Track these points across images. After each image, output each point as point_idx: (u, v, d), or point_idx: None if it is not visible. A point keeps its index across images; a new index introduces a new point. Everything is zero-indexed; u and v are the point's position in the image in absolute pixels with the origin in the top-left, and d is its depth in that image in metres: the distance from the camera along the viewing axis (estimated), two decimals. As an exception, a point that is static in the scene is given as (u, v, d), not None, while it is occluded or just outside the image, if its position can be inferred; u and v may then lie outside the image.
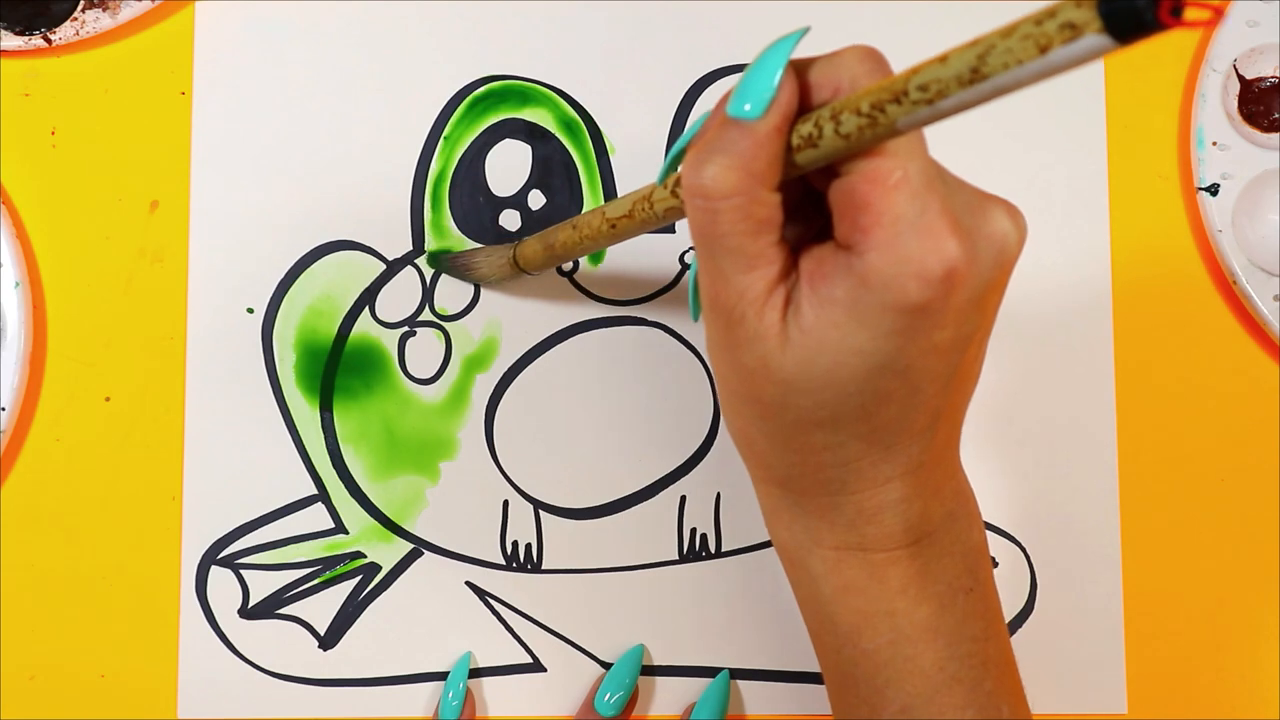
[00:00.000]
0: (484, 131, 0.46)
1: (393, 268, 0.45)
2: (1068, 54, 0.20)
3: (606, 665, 0.45)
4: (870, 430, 0.27)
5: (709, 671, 0.45)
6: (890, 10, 0.46)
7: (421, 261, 0.45)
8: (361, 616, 0.45)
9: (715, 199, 0.25)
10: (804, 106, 0.26)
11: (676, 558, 0.45)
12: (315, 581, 0.45)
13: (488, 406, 0.45)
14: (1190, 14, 0.19)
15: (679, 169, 0.28)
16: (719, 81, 0.46)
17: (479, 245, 0.45)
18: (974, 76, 0.21)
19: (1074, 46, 0.19)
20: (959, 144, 0.46)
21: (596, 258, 0.45)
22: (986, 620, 0.31)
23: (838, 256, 0.26)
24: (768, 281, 0.26)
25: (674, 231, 0.45)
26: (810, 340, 0.26)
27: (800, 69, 0.26)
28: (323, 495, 0.45)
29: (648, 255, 0.45)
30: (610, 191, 0.45)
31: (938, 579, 0.30)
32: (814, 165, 0.26)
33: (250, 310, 0.45)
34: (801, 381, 0.26)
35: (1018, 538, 0.45)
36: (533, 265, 0.40)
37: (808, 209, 0.28)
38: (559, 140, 0.46)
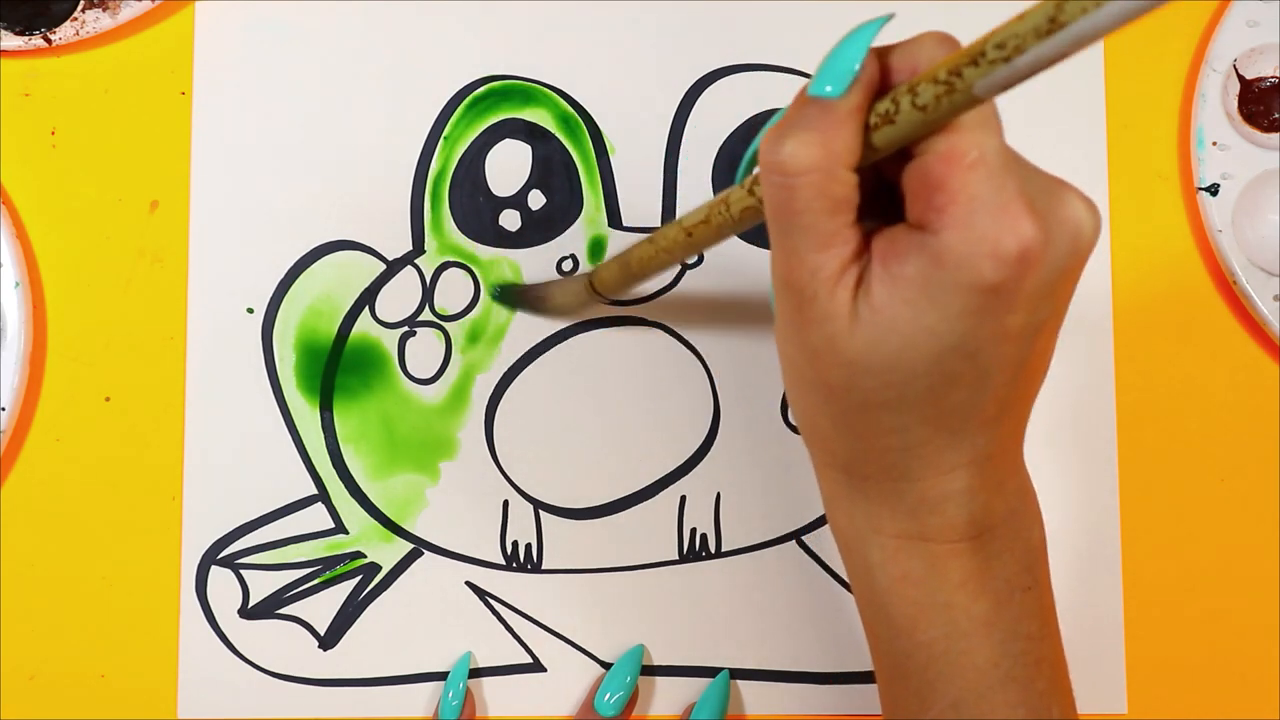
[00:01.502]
0: (484, 131, 0.46)
1: (393, 268, 0.45)
2: None
3: (606, 665, 0.45)
4: (937, 414, 0.27)
5: (709, 671, 0.45)
6: (900, 9, 0.46)
7: (422, 261, 0.45)
8: (361, 616, 0.45)
9: (793, 174, 0.25)
10: (881, 90, 0.26)
11: (676, 558, 0.45)
12: (315, 581, 0.45)
13: (488, 406, 0.45)
14: None
15: (755, 170, 0.28)
16: (719, 81, 0.46)
17: (549, 279, 0.44)
18: (1052, 26, 0.21)
19: None
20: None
21: (597, 258, 0.45)
22: (1042, 619, 0.30)
23: (911, 236, 0.26)
24: (841, 261, 0.26)
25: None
26: (880, 319, 0.26)
27: (879, 54, 0.26)
28: (323, 495, 0.45)
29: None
30: (610, 191, 0.45)
31: (997, 575, 0.29)
32: (892, 146, 0.26)
33: (250, 310, 0.45)
34: (870, 361, 0.26)
35: (1018, 538, 0.45)
36: (611, 289, 0.39)
37: (882, 202, 0.28)
38: (559, 140, 0.46)
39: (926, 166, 0.25)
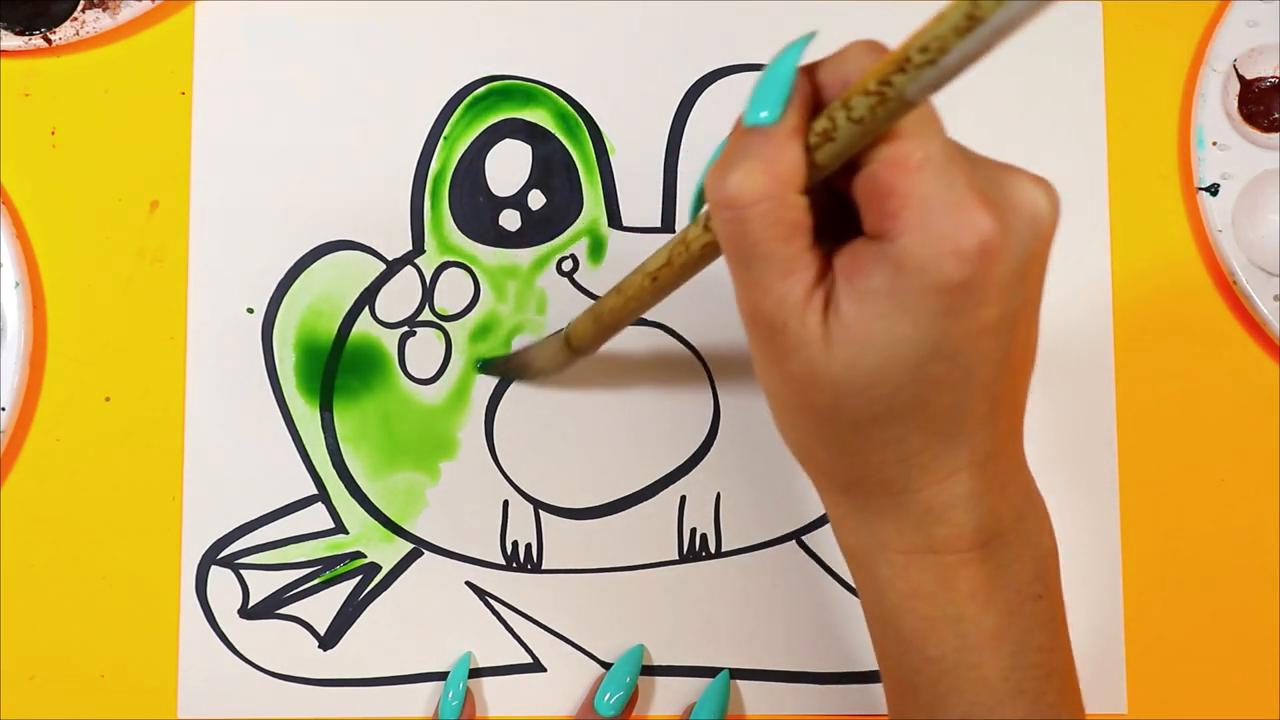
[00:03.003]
0: (484, 131, 0.46)
1: (393, 268, 0.45)
2: None
3: (606, 665, 0.45)
4: (929, 420, 0.27)
5: (709, 671, 0.45)
6: (891, 10, 0.46)
7: (422, 261, 0.45)
8: (361, 616, 0.45)
9: (743, 206, 0.25)
10: (817, 108, 0.26)
11: (676, 558, 0.45)
12: (315, 581, 0.45)
13: (488, 406, 0.45)
14: None
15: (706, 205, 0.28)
16: (719, 81, 0.46)
17: (528, 344, 0.44)
18: (971, 23, 0.21)
19: None
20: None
21: (597, 258, 0.45)
22: (1053, 630, 0.30)
23: (871, 247, 0.25)
24: (806, 285, 0.26)
25: (674, 231, 0.45)
26: (854, 336, 0.25)
27: (809, 71, 0.26)
28: (323, 495, 0.45)
29: (647, 255, 0.45)
30: (610, 191, 0.45)
31: (1007, 585, 0.29)
32: (835, 161, 0.25)
33: (250, 310, 0.45)
34: (851, 380, 0.26)
35: (1018, 538, 0.45)
36: (586, 342, 0.39)
37: (836, 217, 0.28)
38: (559, 140, 0.46)
39: (874, 175, 0.25)
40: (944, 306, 0.25)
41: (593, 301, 0.37)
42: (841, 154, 0.25)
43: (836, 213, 0.27)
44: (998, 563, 0.29)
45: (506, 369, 0.44)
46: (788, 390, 0.27)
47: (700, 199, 0.29)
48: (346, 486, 0.45)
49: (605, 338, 0.38)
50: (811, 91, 0.26)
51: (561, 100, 0.46)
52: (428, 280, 0.45)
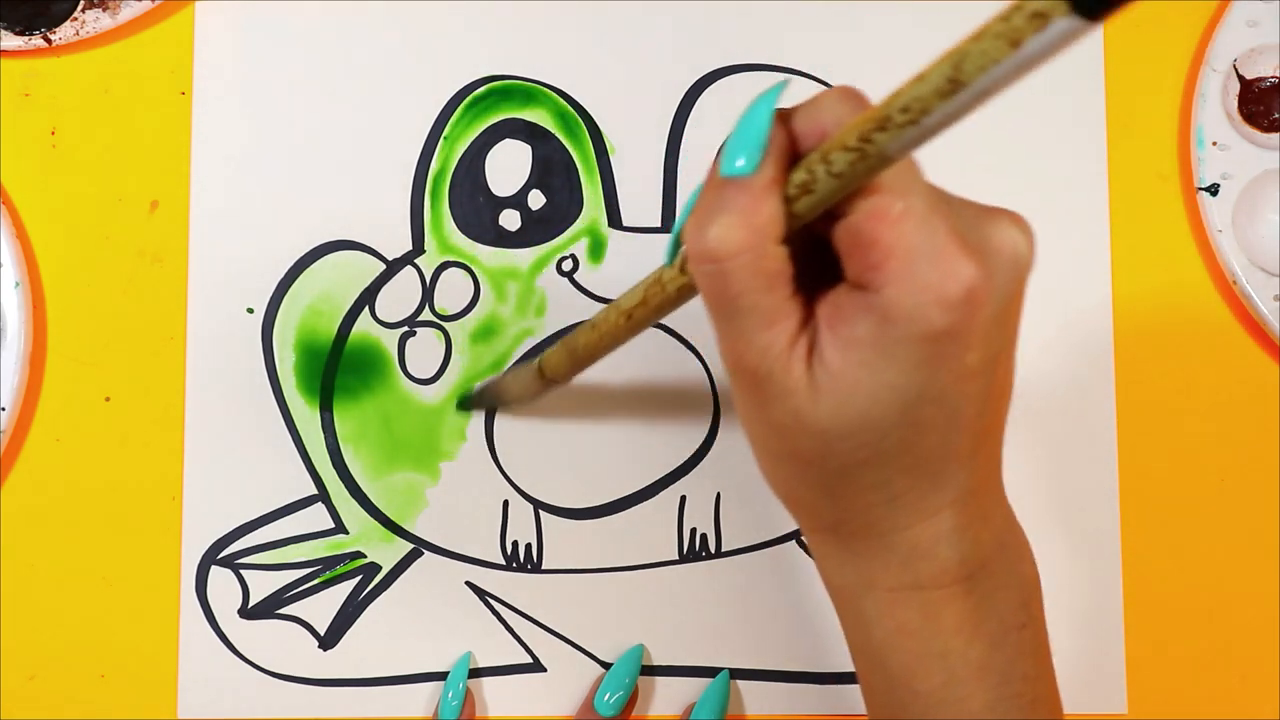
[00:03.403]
0: (484, 131, 0.46)
1: (393, 268, 0.45)
2: (1041, 43, 0.19)
3: (606, 665, 0.45)
4: (915, 463, 0.27)
5: (709, 671, 0.45)
6: (892, 9, 0.46)
7: (422, 261, 0.45)
8: (361, 616, 0.45)
9: (724, 259, 0.25)
10: (793, 157, 0.26)
11: (676, 558, 0.45)
12: (315, 581, 0.45)
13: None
14: None
15: (684, 248, 0.28)
16: (719, 81, 0.46)
17: (502, 371, 0.44)
18: (953, 87, 0.21)
19: (1045, 34, 0.19)
20: (959, 145, 0.46)
21: (597, 258, 0.45)
22: (1037, 657, 0.30)
23: (855, 297, 0.25)
24: (789, 334, 0.26)
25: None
26: (840, 385, 0.26)
27: (783, 119, 0.26)
28: (323, 495, 0.45)
29: (647, 255, 0.45)
30: (610, 191, 0.45)
31: (992, 616, 0.29)
32: (814, 212, 0.25)
33: (250, 310, 0.45)
34: (838, 427, 0.26)
35: (1018, 538, 0.45)
36: (559, 374, 0.39)
37: (814, 262, 0.28)
38: (559, 140, 0.46)
39: (855, 226, 0.25)
40: (930, 354, 0.25)
41: (576, 323, 0.37)
42: (820, 205, 0.25)
43: (815, 256, 0.27)
44: (982, 594, 0.29)
45: (482, 399, 0.44)
46: (773, 438, 0.28)
47: (677, 242, 0.29)
48: (346, 486, 0.45)
49: (578, 370, 0.38)
50: (787, 140, 0.26)
51: (561, 100, 0.46)
52: (428, 280, 0.45)
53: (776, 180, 0.25)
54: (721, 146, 0.26)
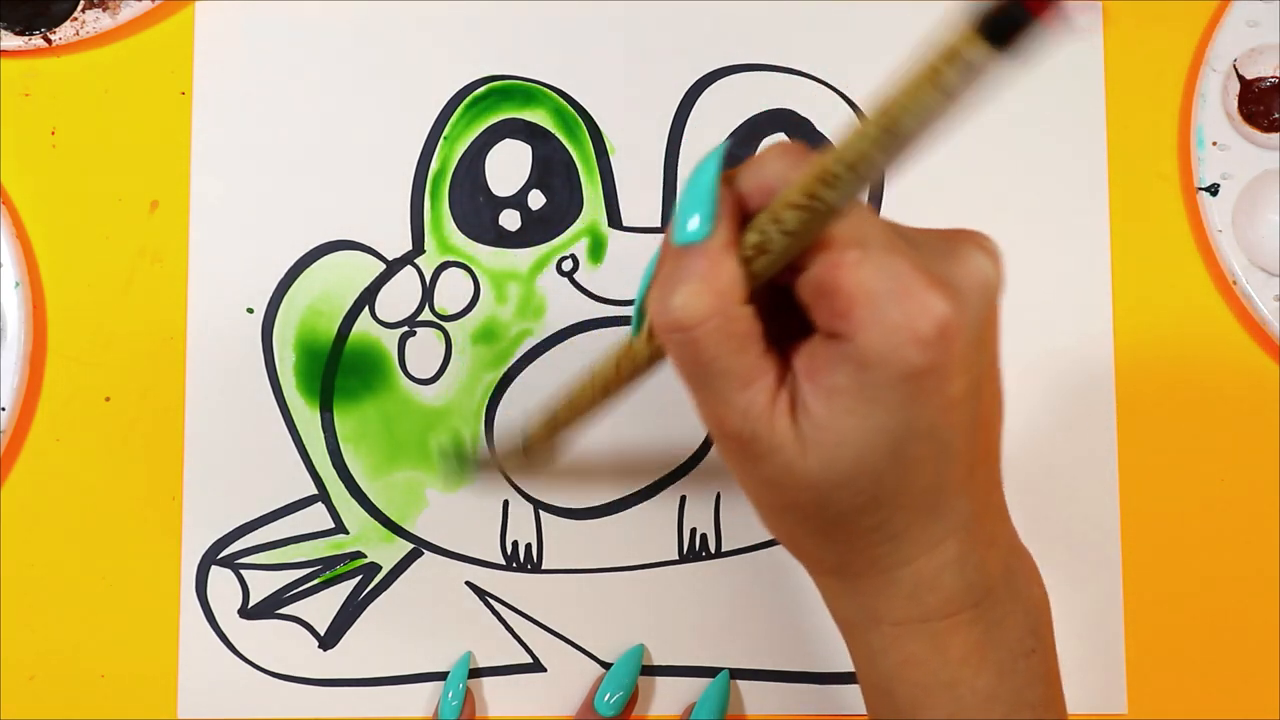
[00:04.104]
0: (484, 131, 0.46)
1: (392, 268, 0.45)
2: (964, 80, 0.20)
3: (606, 665, 0.45)
4: (913, 499, 0.27)
5: (709, 671, 0.45)
6: (893, 10, 0.46)
7: (422, 261, 0.45)
8: (361, 616, 0.45)
9: (692, 327, 0.25)
10: (743, 217, 0.26)
11: (676, 558, 0.45)
12: (315, 581, 0.45)
13: (488, 406, 0.45)
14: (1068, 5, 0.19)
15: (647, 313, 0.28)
16: (719, 81, 0.46)
17: (490, 447, 0.44)
18: (889, 139, 0.21)
19: (967, 70, 0.20)
20: (959, 146, 0.46)
21: (597, 258, 0.45)
22: (1047, 684, 0.30)
23: (829, 347, 0.25)
24: (768, 392, 0.26)
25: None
26: (828, 435, 0.25)
27: (728, 181, 0.26)
28: (323, 495, 0.45)
29: (647, 255, 0.45)
30: (610, 191, 0.45)
31: (999, 644, 0.29)
32: (772, 269, 0.26)
33: (250, 310, 0.45)
34: (832, 477, 0.26)
35: (1018, 538, 0.45)
36: (544, 447, 0.39)
37: (781, 311, 0.28)
38: (559, 140, 0.46)
39: (817, 278, 0.25)
40: (912, 392, 0.25)
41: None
42: (777, 263, 0.25)
43: (781, 310, 0.27)
44: (989, 621, 0.29)
45: (476, 466, 0.45)
46: (768, 493, 0.28)
47: (642, 311, 0.29)
48: (346, 486, 0.45)
49: (560, 444, 0.38)
50: (735, 201, 0.26)
51: (561, 100, 0.46)
52: (428, 280, 0.45)
53: (731, 242, 0.25)
54: (671, 215, 0.26)
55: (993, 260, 0.26)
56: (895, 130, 0.21)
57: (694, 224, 0.25)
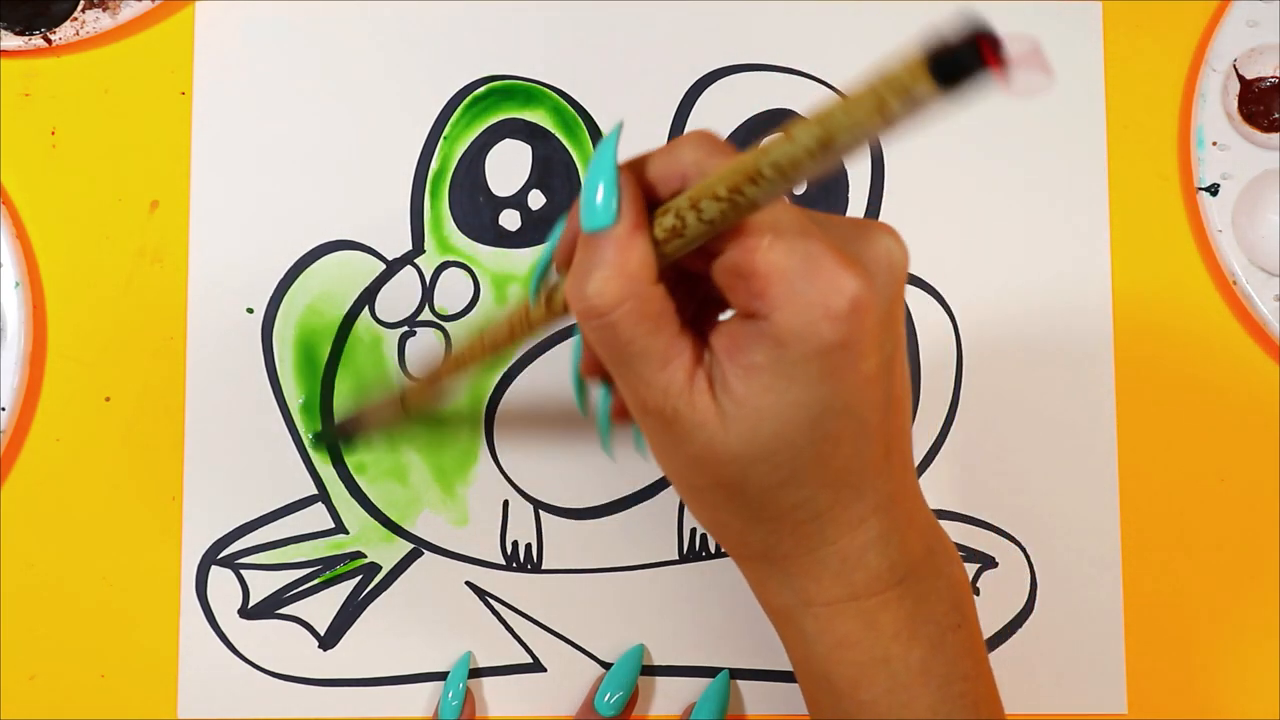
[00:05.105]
0: (484, 131, 0.46)
1: (392, 267, 0.45)
2: (905, 111, 0.20)
3: (606, 665, 0.45)
4: (834, 475, 0.28)
5: (709, 671, 0.45)
6: (892, 10, 0.46)
7: (422, 261, 0.45)
8: (361, 616, 0.45)
9: (607, 312, 0.26)
10: (655, 200, 0.27)
11: (676, 558, 0.45)
12: (315, 581, 0.45)
13: (488, 406, 0.45)
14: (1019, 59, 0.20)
15: (548, 284, 0.29)
16: (719, 81, 0.46)
17: (362, 404, 0.44)
18: (822, 150, 0.22)
19: (910, 102, 0.20)
20: (960, 146, 0.46)
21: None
22: (975, 658, 0.31)
23: (747, 326, 0.26)
24: (686, 370, 0.27)
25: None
26: (748, 410, 0.26)
27: (639, 166, 0.27)
28: (323, 495, 0.45)
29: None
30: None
31: (927, 619, 0.30)
32: (684, 251, 0.26)
33: (250, 310, 0.45)
34: (753, 451, 0.27)
35: (1018, 538, 0.45)
36: (423, 403, 0.40)
37: (696, 293, 0.29)
38: (559, 140, 0.46)
39: (732, 261, 0.26)
40: (828, 367, 0.26)
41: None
42: (691, 245, 0.26)
43: (696, 291, 0.28)
44: (915, 597, 0.30)
45: (342, 432, 0.44)
46: (692, 472, 0.28)
47: (540, 281, 0.30)
48: (346, 486, 0.45)
49: (438, 399, 0.39)
50: (638, 185, 0.27)
51: (561, 100, 0.46)
52: (427, 280, 0.45)
53: (639, 225, 0.26)
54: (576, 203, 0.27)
55: (900, 246, 0.28)
56: (830, 144, 0.22)
57: (600, 209, 0.26)
